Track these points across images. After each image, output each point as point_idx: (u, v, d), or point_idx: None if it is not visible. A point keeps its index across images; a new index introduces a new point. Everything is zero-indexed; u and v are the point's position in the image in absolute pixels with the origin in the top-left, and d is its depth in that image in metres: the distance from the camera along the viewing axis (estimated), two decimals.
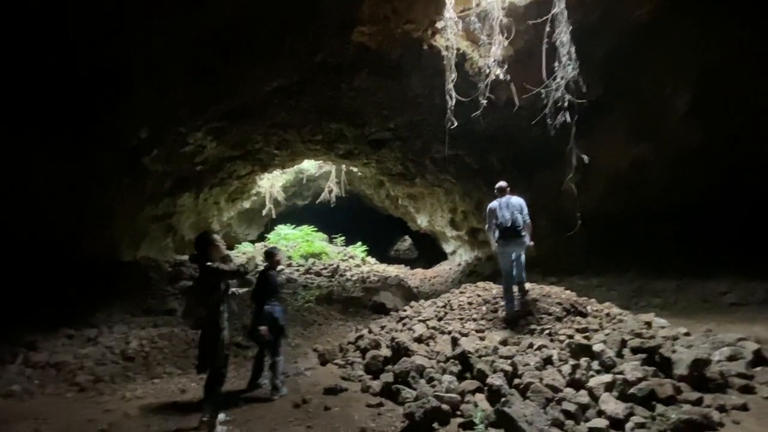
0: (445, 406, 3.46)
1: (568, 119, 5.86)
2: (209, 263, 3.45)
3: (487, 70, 6.34)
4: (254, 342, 4.45)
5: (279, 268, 11.03)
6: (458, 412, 3.53)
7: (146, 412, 3.95)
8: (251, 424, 3.62)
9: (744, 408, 3.39)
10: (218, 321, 3.43)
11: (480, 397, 3.75)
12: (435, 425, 3.34)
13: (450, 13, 6.22)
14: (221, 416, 3.57)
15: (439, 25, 6.48)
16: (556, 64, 5.82)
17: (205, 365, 3.54)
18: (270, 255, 4.87)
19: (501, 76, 6.20)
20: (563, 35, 5.68)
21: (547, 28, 5.73)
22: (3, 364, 4.96)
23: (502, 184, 5.74)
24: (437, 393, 3.66)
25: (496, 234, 5.53)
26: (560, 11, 5.63)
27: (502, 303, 5.58)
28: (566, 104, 5.84)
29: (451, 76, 6.42)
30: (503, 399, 3.36)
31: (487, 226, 5.80)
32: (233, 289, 4.14)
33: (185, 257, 10.30)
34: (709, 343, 4.55)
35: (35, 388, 4.64)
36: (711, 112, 7.04)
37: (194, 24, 5.26)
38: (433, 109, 7.99)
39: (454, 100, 6.38)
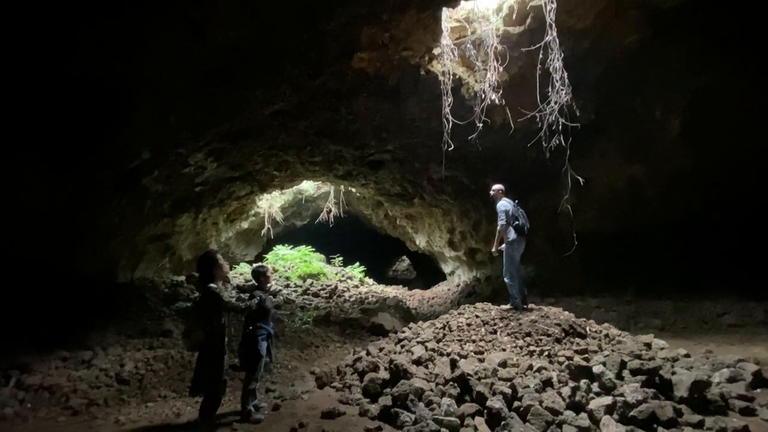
0: (444, 430, 3.42)
1: (563, 142, 6.00)
2: (212, 286, 3.44)
3: (483, 95, 6.52)
4: (243, 369, 4.38)
5: (275, 288, 11.03)
6: None
7: None
8: None
9: (745, 430, 3.36)
10: (216, 345, 3.40)
11: (479, 421, 3.70)
12: None
13: (446, 40, 6.44)
14: None
15: (435, 51, 6.70)
16: (550, 88, 6.00)
17: (199, 388, 3.50)
18: (258, 274, 4.69)
19: (496, 101, 6.38)
20: (556, 62, 5.87)
21: (540, 55, 5.93)
22: None
23: (502, 186, 6.38)
24: (436, 416, 3.62)
25: (512, 233, 6.06)
26: (552, 39, 5.84)
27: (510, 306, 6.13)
28: (560, 127, 5.99)
29: (448, 100, 6.60)
30: (503, 422, 3.33)
31: (503, 223, 6.14)
32: (247, 303, 4.11)
33: (182, 278, 10.26)
34: (709, 365, 4.55)
35: (28, 412, 4.55)
36: (702, 135, 7.21)
37: (196, 50, 5.41)
38: (431, 131, 8.15)
39: (450, 124, 6.54)
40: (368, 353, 5.73)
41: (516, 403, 3.75)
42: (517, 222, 6.12)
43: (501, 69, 6.42)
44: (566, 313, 5.96)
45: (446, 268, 15.67)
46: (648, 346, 5.00)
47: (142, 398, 5.02)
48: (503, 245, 6.27)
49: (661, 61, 6.88)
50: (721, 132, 7.06)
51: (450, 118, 6.52)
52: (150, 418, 4.38)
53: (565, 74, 5.94)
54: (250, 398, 4.26)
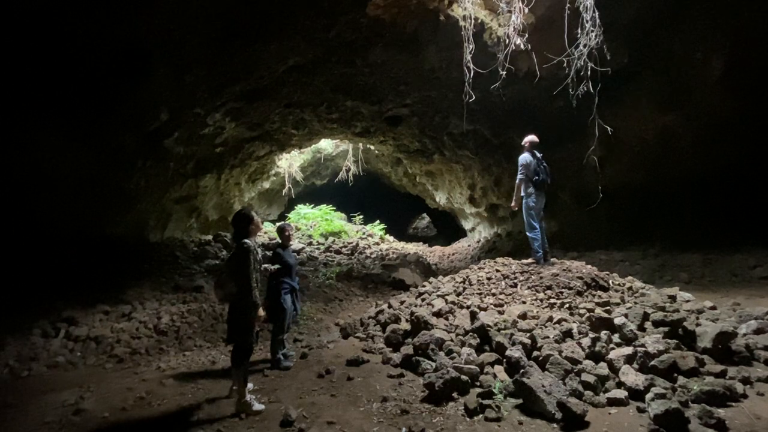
0: (464, 377, 3.53)
1: (591, 89, 5.66)
2: (246, 242, 3.52)
3: (507, 40, 6.13)
4: (269, 321, 4.58)
5: (299, 246, 11.32)
6: (477, 383, 3.60)
7: (180, 381, 4.18)
8: (278, 392, 3.79)
9: None
10: (248, 297, 3.53)
11: (499, 369, 3.80)
12: (454, 395, 3.43)
13: None
14: (250, 385, 3.75)
15: None
16: (579, 31, 5.58)
17: (232, 337, 3.68)
18: (280, 231, 4.84)
19: (521, 46, 5.98)
20: (587, 0, 5.41)
21: None
22: (47, 338, 5.31)
23: (536, 138, 6.09)
24: (456, 364, 3.73)
25: (531, 187, 5.99)
26: None
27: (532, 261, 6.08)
28: (589, 73, 5.63)
29: (469, 47, 6.23)
30: (522, 370, 3.40)
31: (521, 177, 6.05)
32: (266, 265, 4.24)
33: (209, 237, 10.62)
34: (736, 317, 4.47)
35: (78, 360, 4.96)
36: (745, 79, 6.67)
37: (209, 4, 5.25)
38: (451, 82, 7.82)
39: (472, 73, 6.21)
40: (390, 306, 5.88)
41: (535, 353, 3.81)
42: (537, 177, 5.95)
43: (527, 10, 5.97)
44: (589, 266, 5.89)
45: (467, 225, 15.63)
46: (672, 298, 4.93)
47: (179, 348, 5.38)
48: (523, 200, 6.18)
49: None
50: (765, 75, 6.49)
51: (471, 66, 6.19)
52: (188, 366, 4.71)
53: (597, 14, 5.48)
54: (278, 347, 4.50)
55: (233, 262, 3.60)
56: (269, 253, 6.17)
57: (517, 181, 6.08)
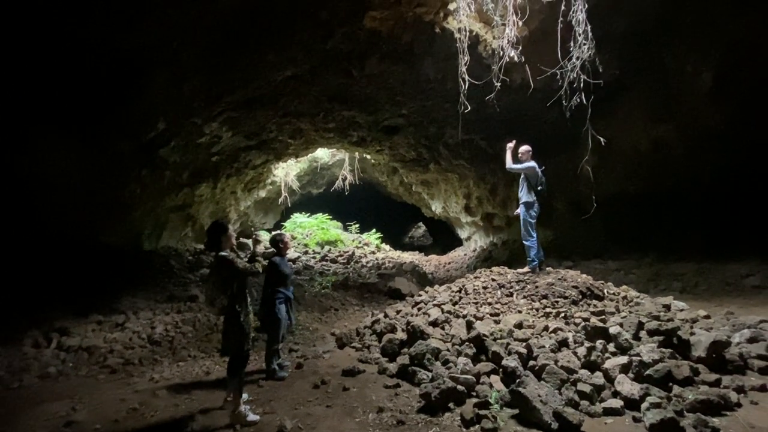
0: (460, 387, 3.52)
1: (584, 101, 5.75)
2: (223, 254, 3.51)
3: (501, 52, 6.22)
4: (263, 331, 4.57)
5: (294, 255, 11.28)
6: (473, 393, 3.59)
7: (173, 392, 4.13)
8: (273, 403, 3.76)
9: (763, 389, 3.37)
10: (240, 308, 3.52)
11: (495, 379, 3.80)
12: (451, 405, 3.42)
13: None
14: (245, 396, 3.71)
15: (451, 6, 6.38)
16: (572, 43, 5.68)
17: (228, 349, 3.66)
18: (275, 242, 4.82)
19: (515, 58, 6.08)
20: (579, 13, 5.52)
21: (563, 7, 5.58)
22: (39, 348, 5.23)
23: (530, 148, 6.36)
24: (453, 374, 3.72)
25: (532, 195, 6.26)
26: None
27: (529, 269, 6.21)
28: (581, 85, 5.72)
29: (464, 59, 6.32)
30: (518, 380, 3.40)
31: (517, 165, 6.34)
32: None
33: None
34: (730, 326, 4.51)
35: (70, 371, 4.89)
36: (735, 90, 6.80)
37: (207, 13, 5.30)
38: (446, 93, 7.91)
39: (467, 84, 6.29)
40: (386, 315, 5.87)
41: (531, 363, 3.81)
42: (540, 187, 6.24)
43: (521, 23, 6.07)
44: (584, 275, 5.93)
45: (463, 234, 15.67)
46: (667, 307, 4.97)
47: (173, 358, 5.32)
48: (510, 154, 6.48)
49: (694, 10, 6.40)
50: (756, 87, 6.63)
51: (466, 78, 6.27)
52: (182, 376, 4.66)
53: (589, 27, 5.59)
54: (273, 358, 4.47)
55: (219, 276, 3.56)
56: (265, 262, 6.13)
57: (514, 167, 6.35)
